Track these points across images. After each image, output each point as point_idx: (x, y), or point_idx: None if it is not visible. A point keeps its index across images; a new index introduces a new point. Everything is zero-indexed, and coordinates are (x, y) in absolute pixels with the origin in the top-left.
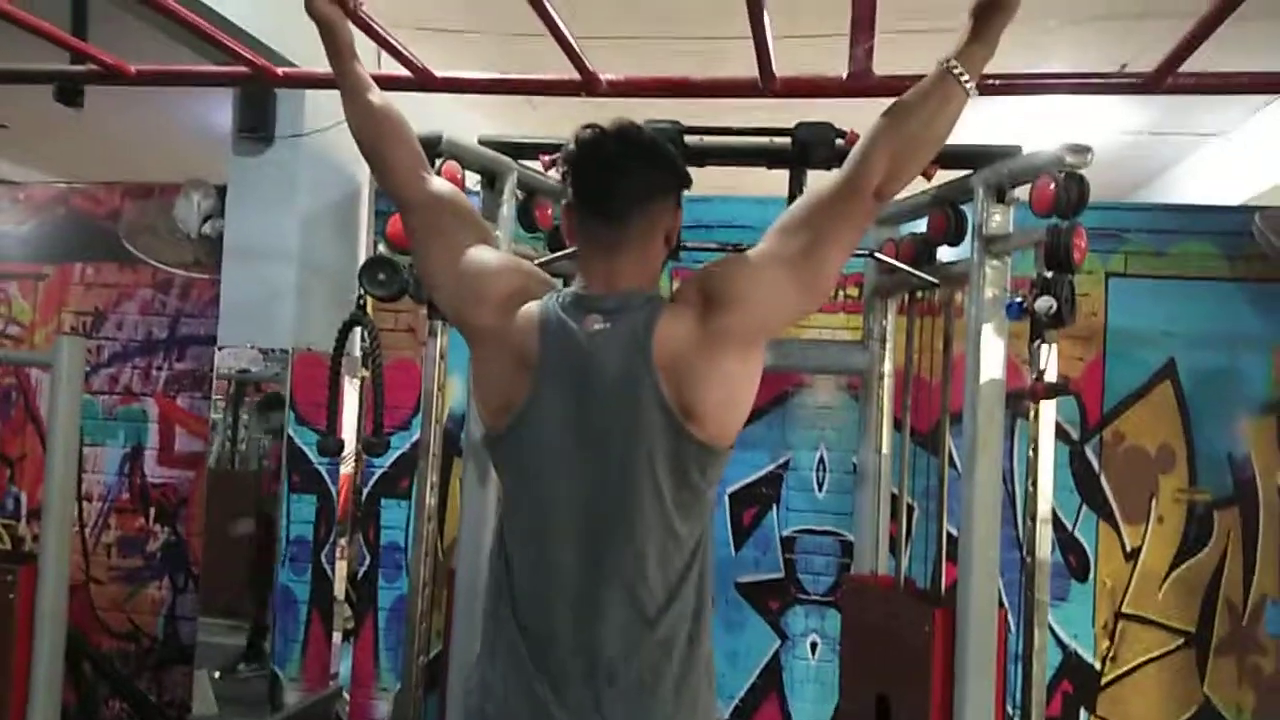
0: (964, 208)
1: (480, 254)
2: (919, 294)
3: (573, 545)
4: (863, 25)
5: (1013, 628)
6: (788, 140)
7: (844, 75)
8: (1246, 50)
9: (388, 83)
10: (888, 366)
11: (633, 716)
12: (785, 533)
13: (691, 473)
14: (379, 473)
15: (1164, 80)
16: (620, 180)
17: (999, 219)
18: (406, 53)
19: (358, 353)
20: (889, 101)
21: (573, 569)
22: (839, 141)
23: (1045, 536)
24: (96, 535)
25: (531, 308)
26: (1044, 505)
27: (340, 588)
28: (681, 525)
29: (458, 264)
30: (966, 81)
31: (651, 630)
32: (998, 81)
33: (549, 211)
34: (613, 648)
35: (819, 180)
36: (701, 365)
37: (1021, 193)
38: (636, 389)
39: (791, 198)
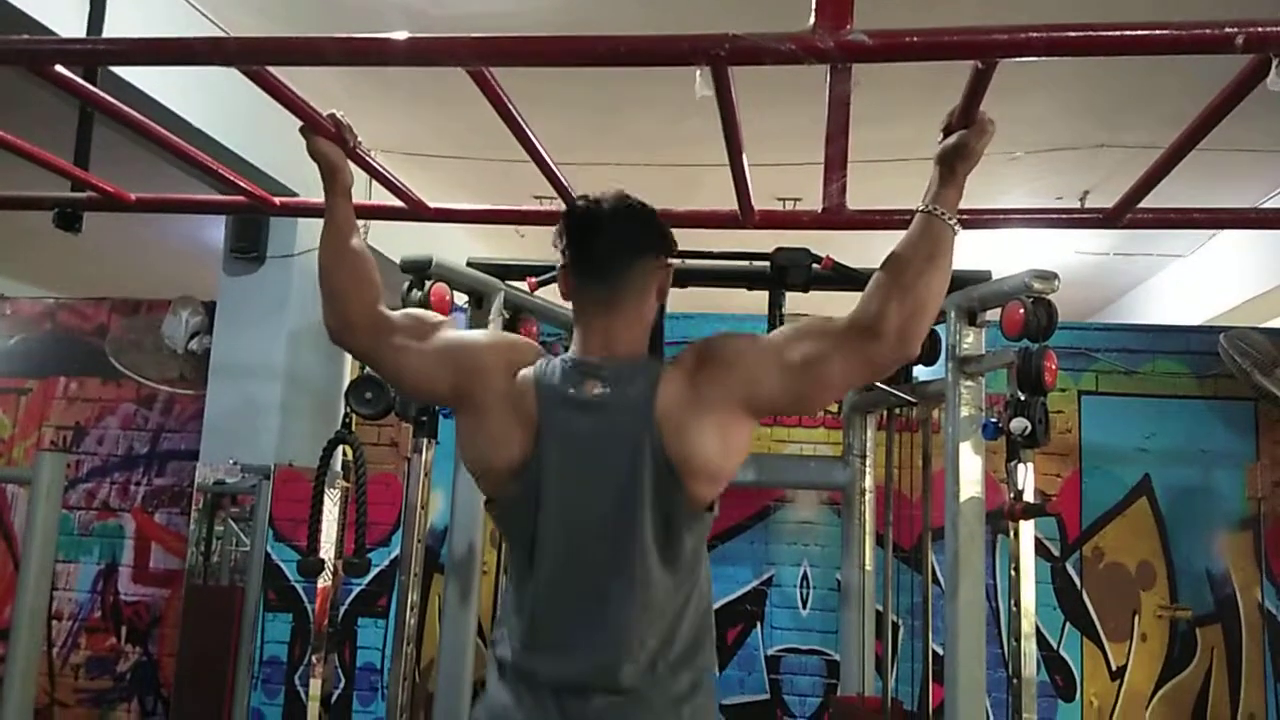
0: (937, 329)
1: (463, 334)
2: (898, 411)
3: (577, 600)
4: (835, 164)
5: None
6: (766, 264)
7: (819, 209)
8: (1208, 177)
9: (382, 212)
10: (868, 482)
11: None
12: (770, 651)
13: (680, 530)
14: (356, 590)
15: (1124, 215)
16: (613, 239)
17: (971, 340)
18: (400, 185)
19: (339, 467)
20: (861, 233)
21: (582, 619)
22: (815, 266)
23: (1030, 655)
24: (64, 655)
25: (527, 373)
26: (1028, 624)
27: (314, 710)
28: (674, 580)
29: (445, 351)
30: (950, 220)
31: (654, 680)
32: (966, 216)
33: (534, 329)
34: (618, 690)
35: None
36: (690, 420)
37: (993, 314)
38: (638, 451)
39: (771, 316)
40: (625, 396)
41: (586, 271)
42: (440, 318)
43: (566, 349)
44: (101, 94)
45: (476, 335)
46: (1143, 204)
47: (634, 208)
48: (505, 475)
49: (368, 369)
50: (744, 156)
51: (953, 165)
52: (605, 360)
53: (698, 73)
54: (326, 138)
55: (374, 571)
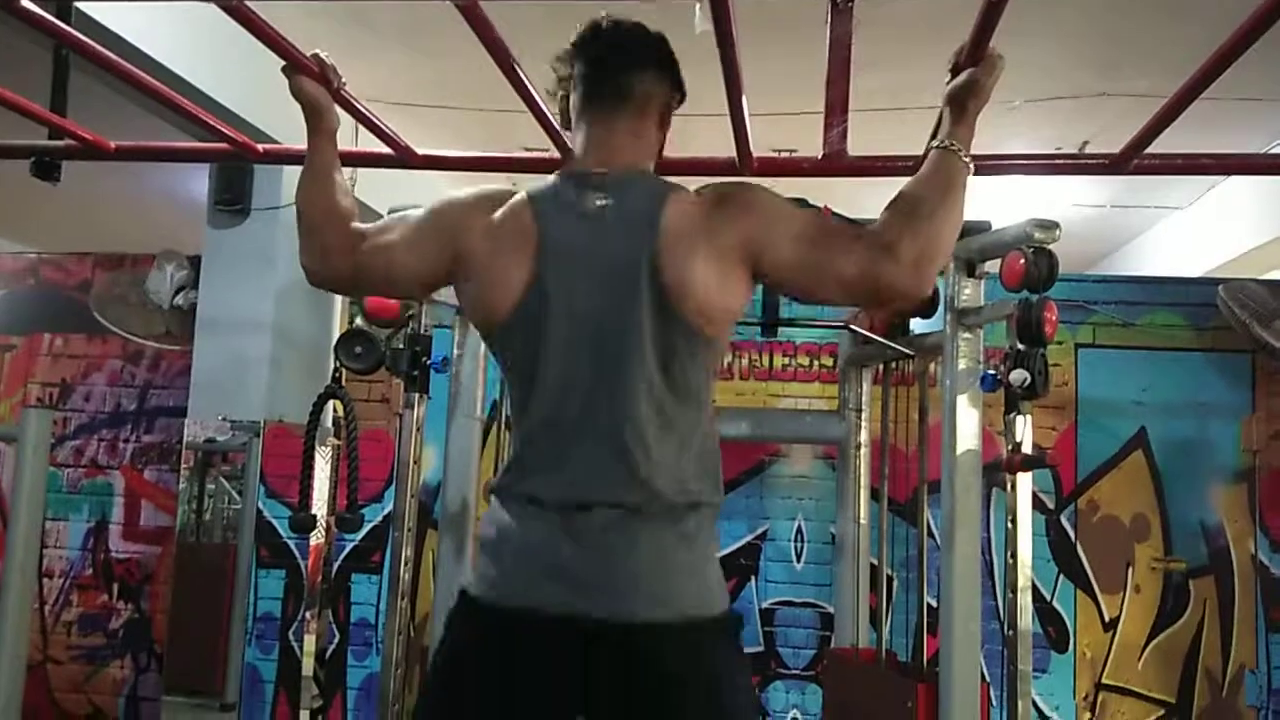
0: (936, 280)
1: (435, 203)
2: (894, 364)
3: (577, 421)
4: (836, 108)
5: (995, 700)
6: None
7: (819, 155)
8: (1209, 127)
9: (368, 159)
10: (864, 436)
11: (639, 552)
12: (764, 605)
13: (680, 354)
14: (350, 546)
15: (1130, 161)
16: (620, 45)
17: (970, 292)
18: (388, 130)
19: (329, 423)
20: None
21: (579, 440)
22: None
23: (1026, 608)
24: (56, 613)
25: (519, 195)
26: (1024, 577)
27: (308, 665)
28: (675, 408)
29: (424, 226)
30: (965, 156)
31: (654, 495)
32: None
33: None
34: (618, 504)
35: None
36: (692, 249)
37: (991, 266)
38: (637, 268)
39: None
40: (627, 208)
41: (591, 78)
42: (408, 210)
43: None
44: (73, 31)
45: (454, 195)
46: (1148, 150)
47: (645, 27)
48: (508, 305)
49: (357, 321)
50: (743, 97)
51: (963, 103)
52: (608, 171)
53: (697, 7)
54: (310, 78)
55: (367, 527)
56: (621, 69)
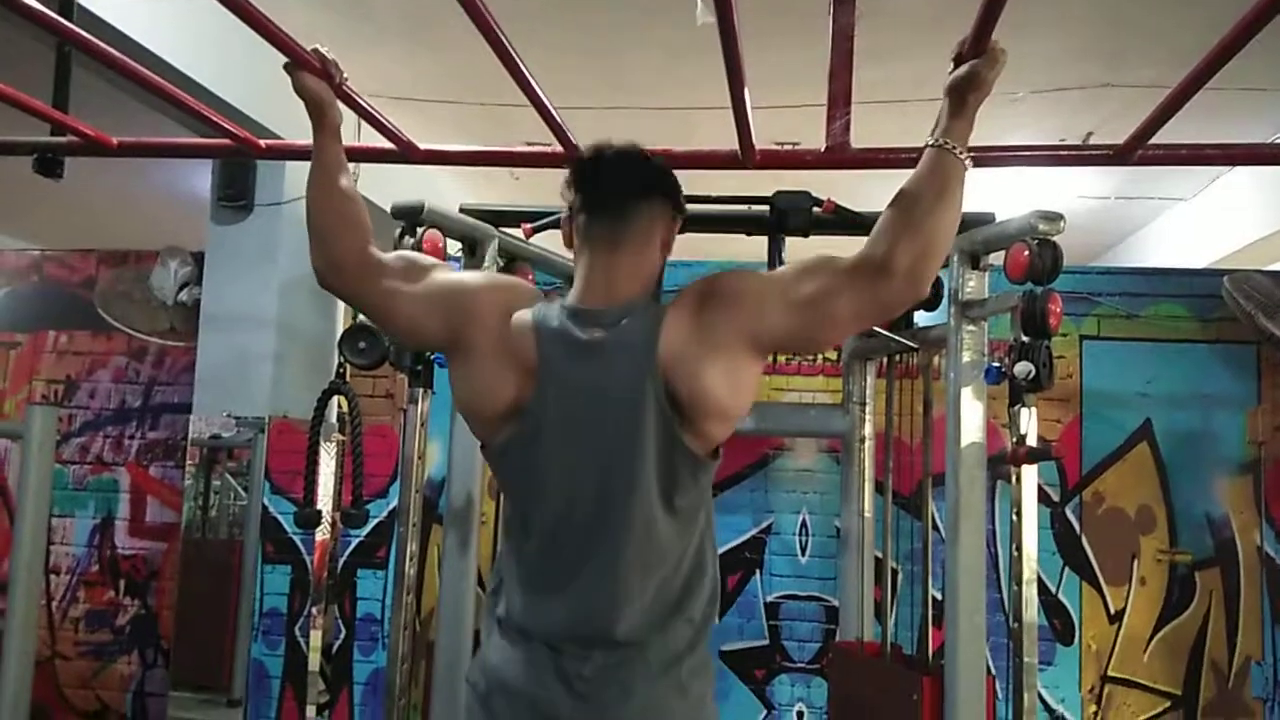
0: (939, 273)
1: (457, 276)
2: (898, 357)
3: (575, 554)
4: (839, 100)
5: (1000, 693)
6: (766, 207)
7: (822, 148)
8: (1214, 117)
9: (370, 154)
10: (868, 429)
11: (634, 697)
12: (769, 598)
13: (683, 481)
14: (355, 542)
15: (1134, 152)
16: (623, 176)
17: (974, 285)
18: (390, 125)
19: (334, 419)
20: (866, 172)
21: (576, 573)
22: (816, 209)
23: (1031, 600)
24: (64, 609)
25: (524, 315)
26: (1029, 569)
27: (315, 660)
28: (674, 536)
29: (437, 294)
30: (961, 154)
31: (651, 633)
32: (972, 155)
33: (530, 276)
34: (614, 642)
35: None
36: (695, 361)
37: (995, 258)
38: (639, 394)
39: (771, 262)
40: (627, 340)
41: (593, 208)
42: (433, 260)
43: (564, 295)
44: (76, 29)
45: (471, 276)
46: (1153, 140)
47: (646, 154)
48: (500, 419)
49: (360, 317)
50: (746, 91)
51: (964, 96)
52: (606, 306)
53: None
54: (312, 74)
55: (372, 523)
56: (624, 204)
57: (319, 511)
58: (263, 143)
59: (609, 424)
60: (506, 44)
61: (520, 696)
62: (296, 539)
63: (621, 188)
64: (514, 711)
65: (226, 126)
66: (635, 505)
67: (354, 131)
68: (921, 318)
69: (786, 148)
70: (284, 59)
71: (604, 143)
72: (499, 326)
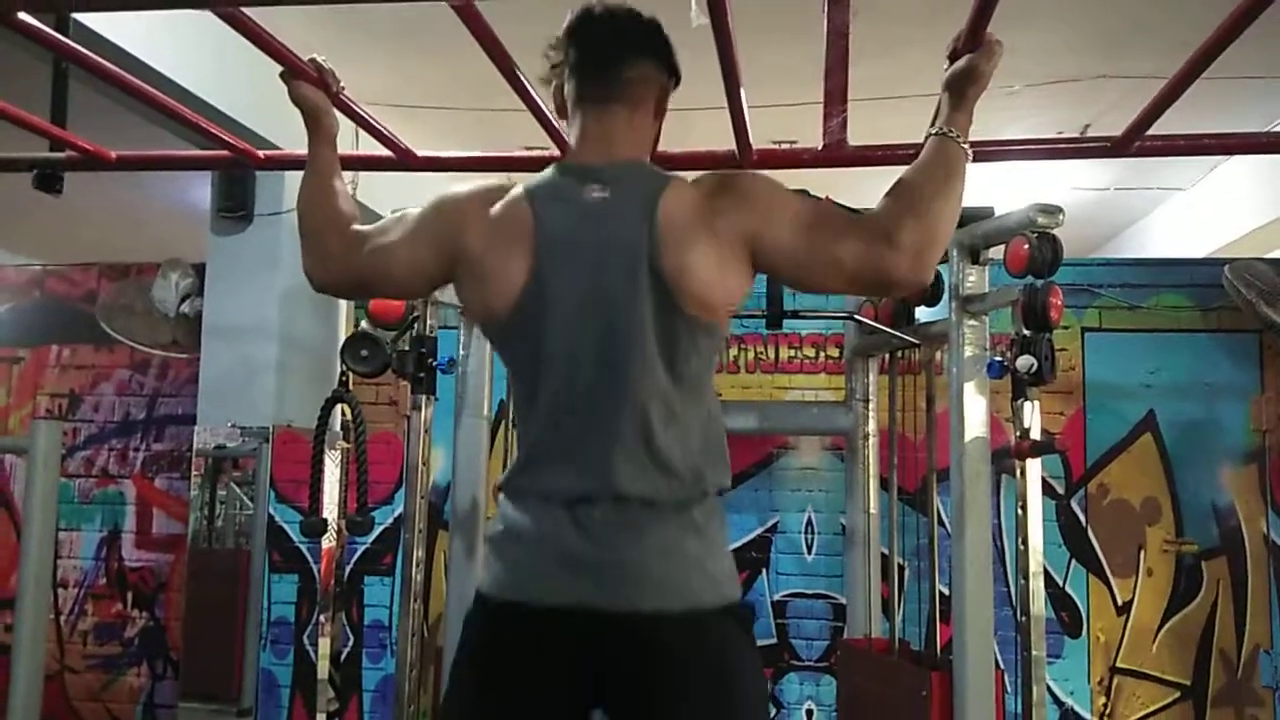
0: (939, 269)
1: (434, 200)
2: (900, 354)
3: (582, 414)
4: (835, 98)
5: (1009, 687)
6: None
7: (819, 146)
8: (1210, 107)
9: (368, 162)
10: (872, 426)
11: (652, 547)
12: (776, 597)
13: (682, 343)
14: (361, 549)
15: (1132, 143)
16: (616, 31)
17: (974, 279)
18: (387, 132)
19: (338, 427)
20: (863, 169)
21: (585, 433)
22: None
23: (1038, 593)
24: (72, 622)
25: (515, 190)
26: (1035, 563)
27: (324, 668)
28: (679, 398)
29: (421, 226)
30: (964, 143)
31: (660, 486)
32: (971, 149)
33: None
34: (623, 495)
35: None
36: (691, 237)
37: (995, 252)
38: (636, 258)
39: None
40: (626, 199)
41: (586, 67)
42: (412, 210)
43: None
44: (72, 44)
45: (452, 191)
46: (1150, 131)
47: (639, 13)
48: (508, 300)
49: (363, 324)
50: (742, 91)
51: (962, 90)
52: (604, 163)
53: (693, 1)
54: (308, 83)
55: (378, 530)
56: (616, 58)
57: (324, 520)
58: (261, 153)
59: (607, 284)
60: (502, 49)
61: (535, 540)
62: (303, 548)
63: (614, 43)
64: (529, 552)
65: (224, 138)
66: (637, 367)
67: (352, 140)
68: (923, 313)
69: (784, 146)
70: (281, 69)
71: (596, 1)
72: (488, 218)
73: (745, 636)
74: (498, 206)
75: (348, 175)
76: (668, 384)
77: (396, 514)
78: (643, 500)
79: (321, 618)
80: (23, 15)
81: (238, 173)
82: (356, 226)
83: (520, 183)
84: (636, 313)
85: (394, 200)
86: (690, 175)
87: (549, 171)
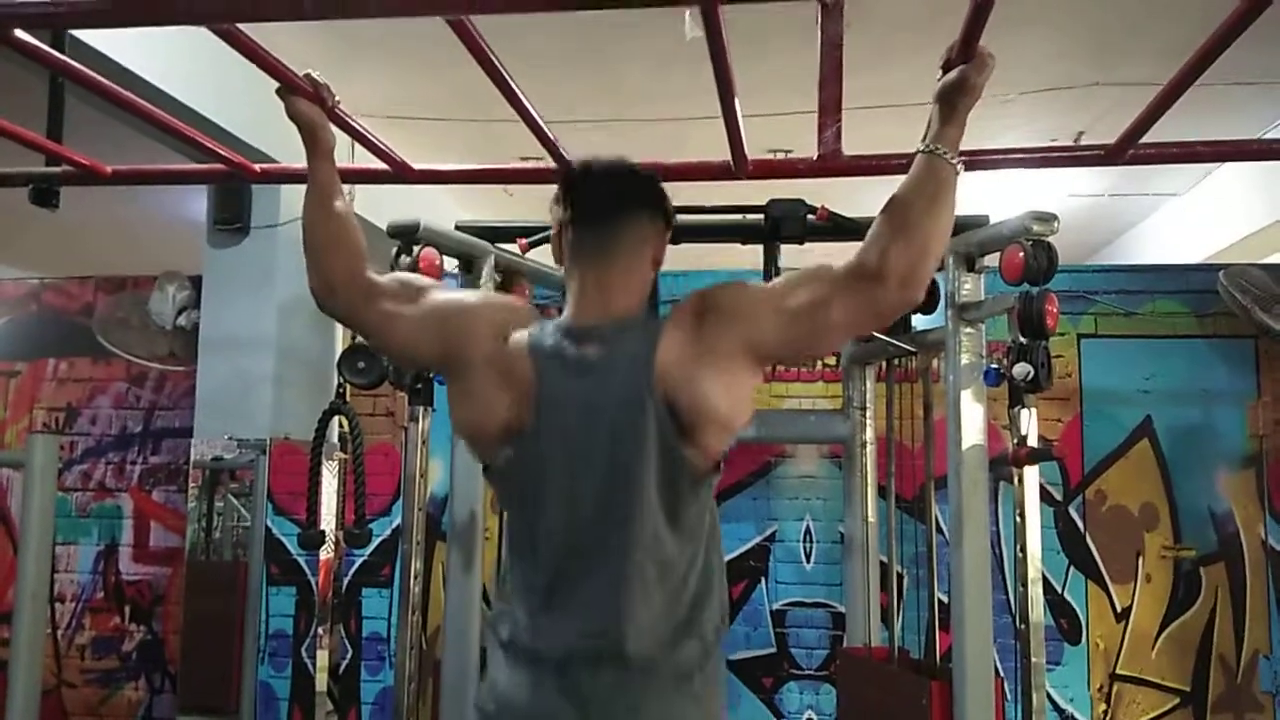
0: (936, 276)
1: (452, 296)
2: (897, 361)
3: (578, 573)
4: (829, 108)
5: (1009, 695)
6: (760, 216)
7: (814, 156)
8: (1203, 113)
9: (365, 175)
10: (869, 434)
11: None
12: (775, 606)
13: (684, 496)
14: (359, 561)
15: (1125, 151)
16: (611, 189)
17: (970, 287)
18: (383, 146)
19: (335, 439)
20: (859, 180)
21: (580, 591)
22: (810, 216)
23: (1037, 600)
24: (69, 637)
25: (520, 335)
26: (1034, 570)
27: (322, 680)
28: (678, 552)
29: (432, 315)
30: (952, 159)
31: (660, 648)
32: (963, 159)
33: (526, 292)
34: (623, 659)
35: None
36: (693, 373)
37: (991, 260)
38: (638, 410)
39: (766, 270)
40: (624, 356)
41: (583, 222)
42: (429, 281)
43: (561, 312)
44: (68, 60)
45: (466, 297)
46: (1143, 139)
47: (634, 166)
48: (499, 440)
49: (359, 337)
50: (736, 102)
51: (953, 102)
52: (601, 322)
53: (687, 14)
54: (304, 98)
55: (376, 541)
56: (610, 215)
57: (322, 533)
58: (257, 167)
59: (608, 441)
60: (496, 63)
61: (528, 717)
62: (301, 560)
63: (610, 201)
64: None
65: (220, 152)
66: (637, 521)
67: (349, 154)
68: (919, 321)
69: (779, 156)
70: (277, 85)
71: (592, 157)
72: (495, 346)
73: None
74: (507, 345)
75: (346, 188)
76: (669, 540)
77: (395, 525)
78: (640, 666)
79: (320, 629)
80: (19, 32)
81: (234, 186)
82: (368, 272)
83: (527, 326)
84: (637, 468)
85: (393, 211)
86: (689, 187)
87: (551, 327)
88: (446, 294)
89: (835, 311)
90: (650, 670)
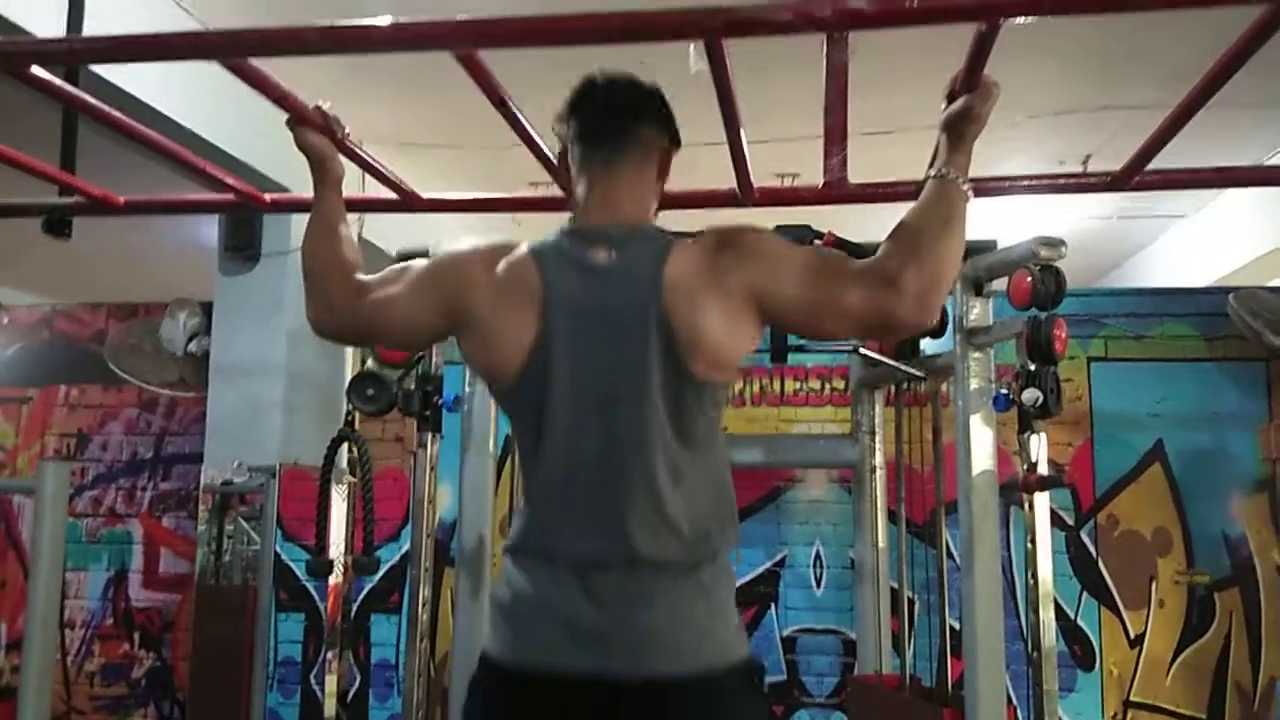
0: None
1: (439, 256)
2: (905, 385)
3: (589, 477)
4: (835, 136)
5: None
6: None
7: (820, 184)
8: (1209, 136)
9: (374, 205)
10: (878, 458)
11: (658, 610)
12: (785, 632)
13: (689, 405)
14: (368, 587)
15: (1132, 177)
16: (615, 99)
17: (978, 311)
18: (392, 176)
19: (345, 464)
20: (863, 207)
21: (591, 496)
22: (817, 242)
23: (1049, 627)
24: (79, 663)
25: (520, 250)
26: (1045, 596)
27: (330, 707)
28: (686, 459)
29: (425, 278)
30: (963, 184)
31: (671, 548)
32: (970, 186)
33: None
34: (635, 560)
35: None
36: (698, 296)
37: (1000, 283)
38: (644, 322)
39: None
40: (632, 262)
41: (589, 136)
42: (420, 261)
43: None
44: (82, 95)
45: (453, 250)
46: (1149, 166)
47: (637, 79)
48: (516, 362)
49: (369, 363)
50: (742, 132)
51: (960, 130)
52: (610, 225)
53: (691, 48)
54: (314, 129)
55: (385, 567)
56: (618, 124)
57: (330, 561)
58: (267, 197)
59: (615, 347)
60: (501, 91)
61: (543, 606)
62: (309, 586)
63: (616, 114)
64: (538, 620)
65: (230, 183)
66: (645, 426)
67: (358, 183)
68: (928, 345)
69: (786, 181)
70: (287, 116)
71: (596, 72)
72: (494, 277)
73: (755, 694)
74: (503, 267)
75: (353, 216)
76: (676, 446)
77: (404, 551)
78: (654, 563)
79: (329, 654)
80: (34, 69)
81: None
82: (360, 276)
83: (525, 242)
84: (645, 376)
85: (401, 239)
86: (695, 216)
87: (555, 233)
88: (431, 261)
89: (851, 296)
90: (661, 569)
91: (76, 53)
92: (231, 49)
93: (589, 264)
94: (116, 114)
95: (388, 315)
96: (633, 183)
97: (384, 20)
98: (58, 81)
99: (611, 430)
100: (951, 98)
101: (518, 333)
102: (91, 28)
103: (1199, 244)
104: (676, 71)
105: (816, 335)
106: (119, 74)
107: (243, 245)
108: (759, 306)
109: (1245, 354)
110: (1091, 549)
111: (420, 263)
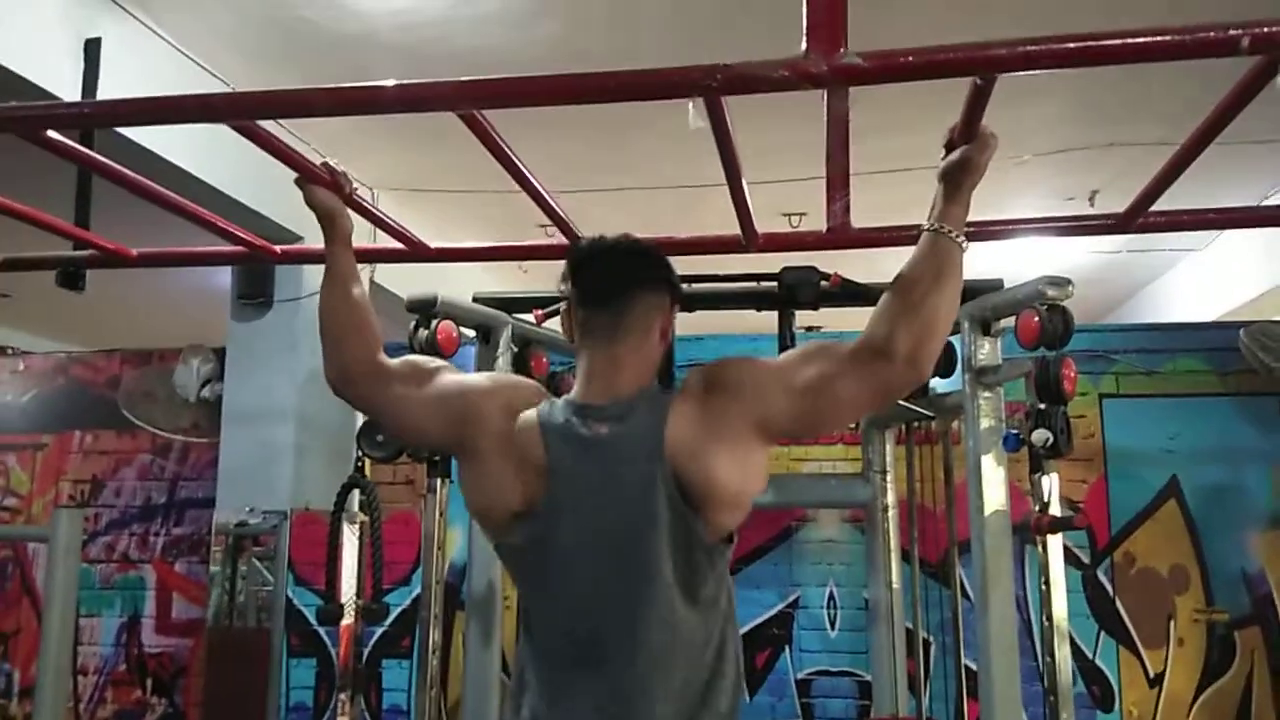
0: (952, 340)
1: (460, 379)
2: (916, 424)
3: (591, 650)
4: (836, 183)
5: None
6: (774, 283)
7: (823, 229)
8: (1212, 172)
9: (383, 255)
10: (890, 498)
11: None
12: (800, 675)
13: (700, 568)
14: (380, 631)
15: (1136, 219)
16: (616, 266)
17: (987, 351)
18: (400, 228)
19: (355, 506)
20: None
21: (598, 667)
22: (823, 283)
23: (1065, 667)
24: (92, 710)
25: (529, 414)
26: (1061, 637)
27: None
28: (693, 623)
29: (441, 398)
30: (957, 237)
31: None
32: (974, 229)
33: (544, 360)
34: None
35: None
36: (703, 450)
37: (1008, 321)
38: (650, 487)
39: (781, 335)
40: (633, 433)
41: (589, 303)
42: (439, 362)
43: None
44: (96, 155)
45: (475, 379)
46: (1153, 207)
47: (638, 242)
48: (510, 519)
49: None
50: (744, 183)
51: (957, 180)
52: (610, 401)
53: (690, 105)
54: (322, 186)
55: (396, 611)
56: (616, 294)
57: (341, 607)
58: (278, 248)
59: (621, 519)
60: (503, 145)
61: None
62: (321, 631)
63: (614, 281)
64: None
65: (242, 235)
66: (654, 598)
67: (369, 233)
68: (938, 384)
69: (793, 221)
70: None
71: (596, 237)
72: (504, 427)
73: None
74: (517, 424)
75: (363, 266)
76: (686, 612)
77: (415, 595)
78: None
79: (341, 696)
80: (50, 132)
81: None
82: (381, 357)
83: (536, 405)
84: (651, 545)
85: (412, 284)
86: (699, 260)
87: (561, 405)
88: (455, 376)
89: (843, 389)
90: None
91: (89, 116)
92: (239, 111)
93: (590, 439)
94: (129, 173)
95: (400, 415)
96: (634, 351)
97: (389, 82)
98: (71, 143)
99: (620, 605)
100: (950, 148)
101: (518, 494)
102: (106, 81)
103: (1210, 277)
104: (678, 118)
105: (825, 432)
106: (131, 128)
107: (255, 292)
108: (763, 434)
109: (1258, 388)
110: (1108, 587)
111: (441, 374)
